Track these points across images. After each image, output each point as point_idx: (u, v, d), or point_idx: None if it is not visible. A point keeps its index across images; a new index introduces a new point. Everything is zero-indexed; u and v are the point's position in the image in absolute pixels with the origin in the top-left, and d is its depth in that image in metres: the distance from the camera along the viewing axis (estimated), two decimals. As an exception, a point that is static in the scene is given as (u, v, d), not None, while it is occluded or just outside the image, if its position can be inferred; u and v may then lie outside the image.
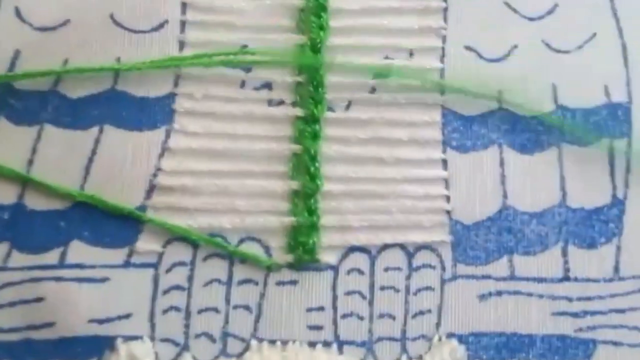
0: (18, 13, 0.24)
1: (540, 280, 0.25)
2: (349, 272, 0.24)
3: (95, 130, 0.24)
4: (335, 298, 0.24)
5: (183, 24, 0.25)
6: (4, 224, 0.23)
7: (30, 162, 0.23)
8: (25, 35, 0.24)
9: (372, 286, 0.24)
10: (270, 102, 0.25)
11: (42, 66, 0.24)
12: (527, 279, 0.25)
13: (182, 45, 0.25)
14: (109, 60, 0.24)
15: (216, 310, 0.23)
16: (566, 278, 0.25)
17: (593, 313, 0.24)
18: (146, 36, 0.25)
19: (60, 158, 0.23)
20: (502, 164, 0.26)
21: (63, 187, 0.23)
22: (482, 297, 0.24)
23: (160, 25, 0.25)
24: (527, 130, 0.26)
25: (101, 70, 0.24)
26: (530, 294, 0.25)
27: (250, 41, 0.26)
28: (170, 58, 0.24)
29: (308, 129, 0.25)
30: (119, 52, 0.24)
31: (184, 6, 0.25)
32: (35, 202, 0.23)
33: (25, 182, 0.23)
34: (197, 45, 0.25)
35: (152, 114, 0.24)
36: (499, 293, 0.25)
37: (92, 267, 0.23)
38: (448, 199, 0.25)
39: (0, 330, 0.22)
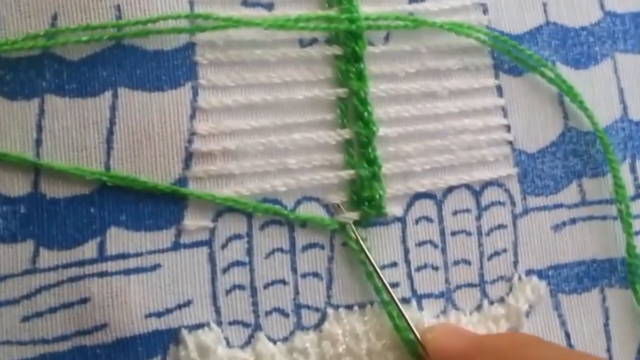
0: (-16, -36, 0.23)
1: (613, 201, 0.26)
2: (417, 221, 0.24)
3: (108, 95, 0.22)
4: (407, 251, 0.24)
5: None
6: (22, 219, 0.22)
7: (39, 143, 0.22)
8: (-1, -9, 0.23)
9: (442, 233, 0.24)
10: (301, 42, 0.24)
11: (26, 26, 0.23)
12: (600, 202, 0.26)
13: None
14: (106, 8, 0.23)
15: (284, 282, 0.23)
16: (638, 195, 0.26)
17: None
18: (146, -24, 0.24)
19: (74, 133, 0.22)
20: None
21: (88, 170, 0.22)
22: (557, 227, 0.26)
23: (160, -38, 0.24)
24: (578, 44, 0.27)
25: (103, 28, 0.22)
26: (604, 217, 0.26)
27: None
28: (190, 14, 0.23)
29: (352, 68, 0.25)
30: None
31: None
32: (55, 189, 0.22)
33: (38, 167, 0.22)
34: None
35: (172, 69, 0.23)
36: (573, 221, 0.26)
37: (138, 255, 0.22)
38: (508, 128, 0.25)
39: (46, 341, 0.21)
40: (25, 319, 0.24)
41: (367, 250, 0.26)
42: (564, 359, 0.23)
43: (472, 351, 0.24)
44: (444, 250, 0.28)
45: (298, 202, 0.27)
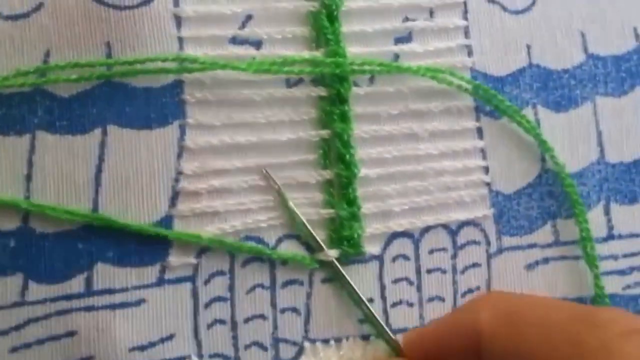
0: (-21, 2, 0.25)
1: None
2: (394, 259, 0.27)
3: (97, 132, 0.25)
4: (383, 288, 0.27)
5: (176, -5, 0.26)
6: (12, 253, 0.24)
7: (29, 178, 0.24)
8: (-5, 27, 0.25)
9: (418, 271, 0.27)
10: (288, 82, 0.26)
11: (20, 61, 0.25)
12: (573, 242, 0.29)
13: (178, 20, 0.27)
14: (97, 45, 0.25)
15: (263, 316, 0.26)
16: (610, 236, 0.29)
17: (639, 269, 0.29)
18: (135, 12, 0.26)
19: (63, 169, 0.24)
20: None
21: (74, 210, 0.25)
22: (529, 266, 0.28)
23: (150, -1, 0.26)
24: (559, 87, 0.29)
25: (93, 66, 0.25)
26: (576, 257, 0.29)
27: (256, 12, 0.27)
28: (177, 57, 0.25)
29: (336, 110, 0.27)
30: (107, 35, 0.26)
31: (172, -26, 0.26)
32: (44, 224, 0.25)
33: (27, 207, 0.24)
34: (196, 20, 0.27)
35: (160, 107, 0.25)
36: (546, 260, 0.29)
37: (124, 290, 0.25)
38: (486, 170, 0.28)
39: None
40: (14, 349, 0.26)
41: (353, 284, 0.28)
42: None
43: None
44: (419, 288, 0.30)
45: (279, 240, 0.29)
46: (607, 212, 0.32)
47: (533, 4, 0.33)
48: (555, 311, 0.26)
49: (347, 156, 0.29)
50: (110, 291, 0.27)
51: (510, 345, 0.25)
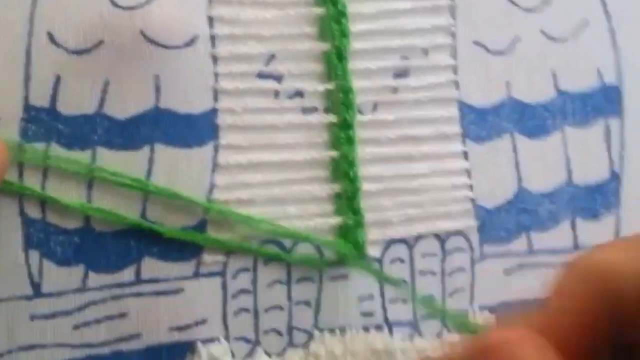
0: (52, 38, 0.33)
1: (554, 251, 0.37)
2: (392, 261, 0.35)
3: (147, 149, 0.33)
4: (382, 286, 0.35)
5: (213, 38, 0.35)
6: (76, 247, 0.32)
7: (90, 185, 0.33)
8: (63, 60, 0.34)
9: (412, 272, 0.35)
10: (304, 110, 0.35)
11: (83, 90, 0.33)
12: (543, 252, 0.37)
13: (215, 59, 0.35)
14: (147, 78, 0.33)
15: (280, 307, 0.34)
16: (576, 247, 0.37)
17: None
18: (181, 52, 0.35)
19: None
20: (514, 150, 0.37)
21: (127, 217, 0.33)
22: (507, 271, 0.36)
23: (192, 41, 0.35)
24: (534, 118, 0.38)
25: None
26: (547, 265, 0.37)
27: (278, 52, 0.36)
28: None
29: (342, 134, 0.35)
30: (157, 70, 0.34)
31: (210, 20, 0.35)
32: (102, 224, 0.33)
33: (90, 205, 0.32)
34: (229, 59, 0.35)
35: (198, 130, 0.34)
36: (521, 266, 0.37)
37: (166, 280, 0.33)
38: (471, 187, 0.37)
39: (92, 345, 0.32)
40: (76, 327, 0.35)
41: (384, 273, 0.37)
42: None
43: None
44: (412, 286, 0.39)
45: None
46: (573, 227, 0.41)
47: (512, 46, 0.42)
48: None
49: (352, 174, 0.38)
50: (155, 280, 0.36)
51: None
